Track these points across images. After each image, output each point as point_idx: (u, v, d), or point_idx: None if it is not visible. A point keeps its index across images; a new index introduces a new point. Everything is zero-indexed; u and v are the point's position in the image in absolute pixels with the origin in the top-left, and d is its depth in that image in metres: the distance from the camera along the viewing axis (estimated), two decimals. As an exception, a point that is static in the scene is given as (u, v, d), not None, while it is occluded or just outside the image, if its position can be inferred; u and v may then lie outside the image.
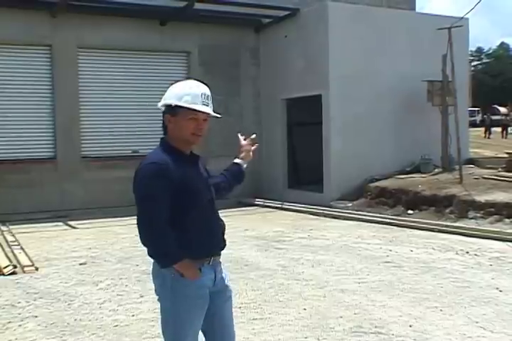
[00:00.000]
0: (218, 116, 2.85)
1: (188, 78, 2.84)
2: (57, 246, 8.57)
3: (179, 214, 2.70)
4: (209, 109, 2.78)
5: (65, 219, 11.16)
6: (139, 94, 13.31)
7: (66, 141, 12.49)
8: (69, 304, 5.53)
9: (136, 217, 2.69)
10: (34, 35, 12.13)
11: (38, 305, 5.50)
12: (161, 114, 2.88)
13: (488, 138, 32.93)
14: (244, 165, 3.25)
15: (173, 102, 2.75)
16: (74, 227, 10.51)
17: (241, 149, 3.27)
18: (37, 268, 6.99)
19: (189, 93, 2.75)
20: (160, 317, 2.86)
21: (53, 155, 12.54)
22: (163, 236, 2.64)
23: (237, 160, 3.26)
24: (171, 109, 2.77)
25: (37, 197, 11.98)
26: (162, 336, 2.87)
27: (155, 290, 2.84)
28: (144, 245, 2.71)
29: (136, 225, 2.71)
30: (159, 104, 2.86)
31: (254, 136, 3.34)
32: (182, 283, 2.70)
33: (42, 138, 12.50)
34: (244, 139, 3.30)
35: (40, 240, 9.14)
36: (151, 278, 2.86)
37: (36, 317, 5.15)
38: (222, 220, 2.95)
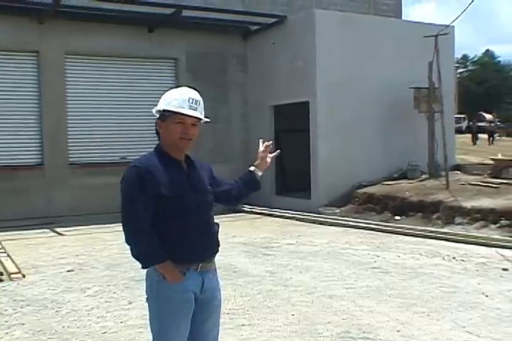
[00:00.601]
0: (207, 120, 2.89)
1: (178, 85, 2.85)
2: (44, 253, 8.52)
3: (163, 217, 2.74)
4: (196, 113, 2.80)
5: (52, 226, 11.09)
6: (126, 100, 13.32)
7: (53, 148, 12.44)
8: (56, 311, 5.50)
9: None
10: (21, 42, 12.10)
11: (25, 313, 5.47)
12: (152, 121, 2.92)
13: (475, 144, 33.02)
14: (260, 173, 3.21)
15: (162, 107, 2.82)
16: (61, 234, 10.45)
17: (257, 156, 3.26)
18: (24, 276, 6.94)
19: (177, 98, 2.80)
20: (149, 318, 2.89)
21: (40, 162, 12.48)
22: (143, 236, 2.71)
23: (251, 168, 3.23)
24: (161, 114, 2.84)
25: (24, 203, 11.90)
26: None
27: (145, 291, 2.88)
28: (128, 244, 2.78)
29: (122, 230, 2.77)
30: (153, 111, 2.91)
31: (270, 142, 3.32)
32: (165, 286, 2.73)
33: (29, 145, 12.44)
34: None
35: (27, 247, 9.08)
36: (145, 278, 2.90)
37: (23, 324, 5.11)
38: (215, 228, 2.95)
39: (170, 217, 2.75)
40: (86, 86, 12.93)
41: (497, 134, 37.23)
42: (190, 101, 2.80)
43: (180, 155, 2.88)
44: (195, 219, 2.81)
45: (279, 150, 3.44)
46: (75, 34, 12.51)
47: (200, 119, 2.85)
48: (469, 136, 35.68)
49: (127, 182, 2.79)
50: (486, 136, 35.40)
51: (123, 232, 2.76)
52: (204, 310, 2.85)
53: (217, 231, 2.97)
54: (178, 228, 2.76)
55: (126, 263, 7.52)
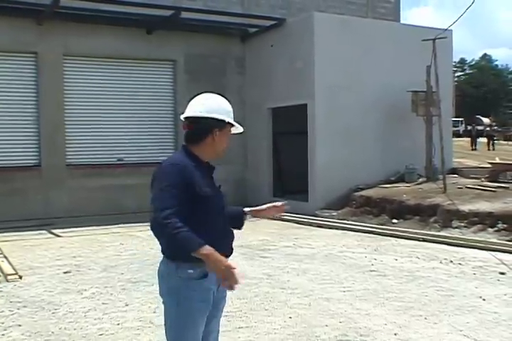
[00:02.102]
0: (242, 130, 3.14)
1: (209, 91, 2.89)
2: (41, 255, 8.50)
3: (193, 216, 2.73)
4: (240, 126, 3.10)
5: (49, 227, 11.06)
6: (124, 102, 13.32)
7: (51, 149, 12.42)
8: (53, 313, 5.49)
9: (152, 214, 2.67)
10: (19, 43, 12.10)
11: (21, 314, 5.45)
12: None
13: (475, 149, 31.51)
14: (247, 217, 3.26)
15: (226, 118, 2.93)
16: (58, 235, 10.42)
17: (265, 208, 3.27)
18: (20, 277, 6.92)
19: (230, 110, 2.99)
20: (164, 318, 2.88)
21: (38, 163, 12.47)
22: (179, 224, 2.59)
23: (246, 209, 3.28)
24: (221, 124, 2.93)
25: (21, 204, 11.88)
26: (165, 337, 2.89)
27: (160, 292, 2.88)
28: (163, 236, 2.67)
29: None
30: (202, 114, 2.89)
31: (283, 203, 3.32)
32: (188, 286, 2.74)
33: (26, 146, 12.43)
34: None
35: (23, 248, 9.05)
36: (157, 279, 2.89)
37: (20, 326, 5.10)
38: (232, 230, 3.03)
39: (199, 216, 2.77)
40: (84, 87, 12.93)
41: (496, 138, 36.04)
42: (232, 113, 3.02)
43: (209, 160, 2.98)
44: (220, 219, 2.89)
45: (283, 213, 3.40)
46: (74, 35, 12.51)
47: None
48: (467, 139, 34.83)
49: (165, 175, 2.70)
50: (485, 140, 34.19)
51: (157, 225, 2.63)
52: (214, 308, 2.89)
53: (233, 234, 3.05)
54: (205, 227, 2.75)
55: (123, 265, 7.52)
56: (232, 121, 2.96)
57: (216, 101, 2.96)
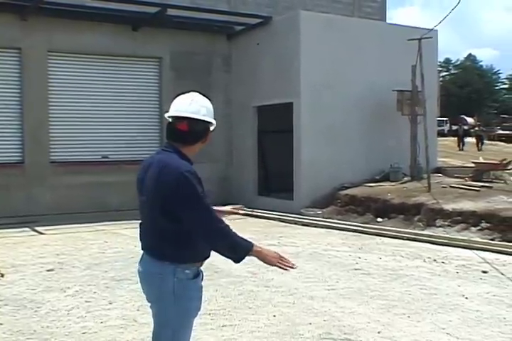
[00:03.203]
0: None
1: (195, 89, 2.87)
2: (23, 252, 8.42)
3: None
4: None
5: (32, 225, 10.97)
6: (109, 99, 13.24)
7: (34, 146, 12.31)
8: (36, 311, 5.44)
9: (193, 218, 2.70)
10: (3, 38, 11.96)
11: (3, 313, 5.40)
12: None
13: (462, 149, 31.04)
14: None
15: (214, 122, 2.96)
16: (41, 233, 10.34)
17: (228, 210, 3.34)
18: (2, 275, 6.85)
19: (212, 110, 2.98)
20: (156, 320, 2.87)
21: (21, 160, 12.36)
22: (228, 225, 2.73)
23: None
24: (210, 126, 2.97)
25: (3, 202, 11.75)
26: (156, 340, 2.88)
27: (148, 294, 2.88)
28: (218, 238, 2.73)
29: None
30: (205, 118, 2.90)
31: (240, 207, 3.41)
32: (185, 286, 2.78)
33: (9, 143, 12.31)
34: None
35: (5, 246, 8.97)
36: (144, 281, 2.88)
37: (1, 324, 5.04)
38: None
39: None
40: (69, 84, 12.82)
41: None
42: None
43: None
44: None
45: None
46: (59, 31, 12.40)
47: None
48: (452, 139, 34.75)
49: (191, 183, 2.69)
50: (473, 140, 33.94)
51: (206, 231, 2.71)
52: None
53: None
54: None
55: (107, 263, 7.48)
56: (214, 122, 2.98)
57: (210, 104, 2.99)
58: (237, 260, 2.75)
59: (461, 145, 32.12)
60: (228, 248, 2.73)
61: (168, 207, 2.70)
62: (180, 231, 2.73)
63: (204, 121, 2.89)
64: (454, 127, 43.37)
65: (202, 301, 2.89)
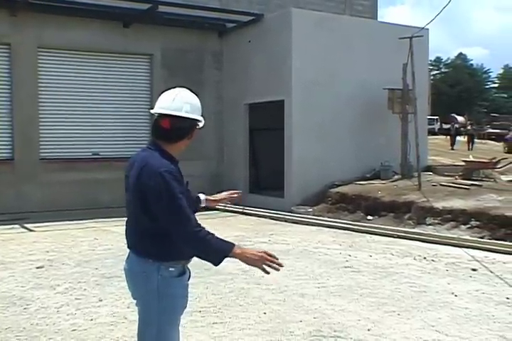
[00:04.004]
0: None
1: (186, 86, 2.82)
2: (13, 249, 8.38)
3: None
4: None
5: (22, 222, 10.91)
6: (100, 96, 13.18)
7: (24, 142, 12.24)
8: (25, 308, 5.42)
9: (167, 219, 2.65)
10: (-7, 34, 11.89)
11: (-8, 310, 5.38)
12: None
13: (452, 149, 30.02)
14: (203, 205, 3.26)
15: (201, 119, 2.89)
16: (31, 230, 10.29)
17: (223, 197, 3.32)
18: (-8, 272, 6.83)
19: (200, 107, 2.91)
20: (140, 318, 2.85)
21: (10, 157, 12.28)
22: (203, 229, 2.67)
23: (201, 196, 3.27)
24: (197, 124, 2.89)
25: (-8, 198, 11.70)
26: (141, 337, 2.87)
27: (133, 292, 2.87)
28: (190, 242, 2.66)
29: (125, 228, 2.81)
30: (188, 115, 2.83)
31: (240, 192, 3.41)
32: (170, 284, 2.75)
33: (-1, 139, 12.23)
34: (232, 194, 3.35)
35: (-5, 243, 8.94)
36: (129, 278, 2.87)
37: (-10, 321, 5.03)
38: None
39: None
40: (59, 80, 12.76)
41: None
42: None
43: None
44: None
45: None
46: (49, 27, 12.33)
47: None
48: (443, 137, 34.64)
49: (167, 184, 2.63)
50: (464, 139, 33.36)
51: (180, 232, 2.65)
52: None
53: None
54: None
55: (97, 260, 7.46)
56: (201, 119, 2.91)
57: (197, 100, 2.90)
58: (215, 263, 2.69)
59: (452, 145, 31.45)
60: (203, 251, 2.67)
61: (148, 206, 2.68)
62: (163, 229, 2.68)
63: (191, 119, 2.84)
64: (445, 126, 43.45)
65: (188, 299, 2.88)
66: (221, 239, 2.67)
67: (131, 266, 2.85)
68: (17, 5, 11.78)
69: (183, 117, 2.80)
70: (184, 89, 2.92)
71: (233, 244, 2.68)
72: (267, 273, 2.71)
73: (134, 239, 2.84)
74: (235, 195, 3.36)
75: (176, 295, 2.78)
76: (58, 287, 6.21)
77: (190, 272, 2.92)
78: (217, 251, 2.65)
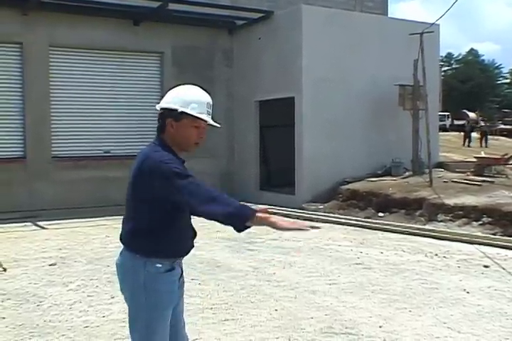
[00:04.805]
0: (218, 126, 2.86)
1: (196, 84, 2.82)
2: (26, 247, 8.44)
3: (170, 214, 2.72)
4: (211, 120, 2.83)
5: (34, 220, 10.99)
6: (111, 94, 13.23)
7: (36, 141, 12.31)
8: (38, 305, 5.46)
9: (183, 193, 2.56)
10: (4, 33, 11.93)
11: (5, 307, 5.42)
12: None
13: (468, 146, 29.21)
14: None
15: (180, 108, 2.75)
16: (43, 228, 10.36)
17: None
18: (5, 269, 6.88)
19: (196, 101, 2.77)
20: (128, 314, 2.85)
21: (22, 155, 12.36)
22: (221, 193, 2.57)
23: None
24: (176, 114, 2.76)
25: (5, 196, 11.76)
26: (129, 334, 2.87)
27: (121, 286, 2.87)
28: (210, 208, 2.52)
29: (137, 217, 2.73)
30: (158, 106, 2.84)
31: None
32: (156, 280, 2.74)
33: (11, 137, 12.30)
34: None
35: (8, 241, 8.99)
36: (119, 273, 2.87)
37: (4, 318, 5.07)
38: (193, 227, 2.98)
39: (177, 217, 2.76)
40: (70, 79, 12.81)
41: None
42: (208, 106, 2.81)
43: (180, 154, 2.86)
44: (187, 217, 2.86)
45: None
46: (60, 26, 12.38)
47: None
48: (454, 134, 34.00)
49: (167, 168, 2.58)
50: (477, 135, 32.35)
51: (201, 202, 2.52)
52: (179, 299, 2.95)
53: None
54: (180, 227, 2.81)
55: (109, 258, 7.49)
56: (189, 111, 2.75)
57: (177, 92, 2.84)
58: (239, 228, 2.56)
59: (466, 142, 30.41)
60: (225, 215, 2.52)
61: (145, 196, 2.68)
62: (154, 224, 2.70)
63: (162, 108, 2.81)
64: (456, 122, 43.13)
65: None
66: (244, 205, 2.56)
67: (122, 260, 2.85)
68: (28, 4, 11.83)
69: (162, 108, 2.81)
70: (189, 85, 2.90)
71: (254, 210, 2.52)
72: (303, 229, 2.52)
73: (126, 234, 2.83)
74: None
75: (162, 290, 2.75)
76: (71, 284, 6.25)
77: (181, 269, 2.91)
78: (242, 214, 2.51)
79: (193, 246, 2.95)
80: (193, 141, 2.80)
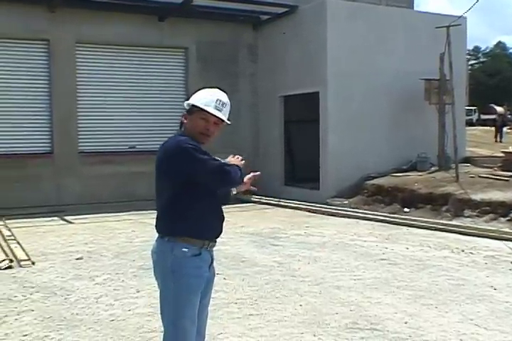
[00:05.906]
0: (228, 122, 3.08)
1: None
2: (53, 241, 8.57)
3: (194, 196, 2.93)
4: (219, 113, 3.02)
5: (62, 214, 11.15)
6: (136, 89, 13.33)
7: (63, 136, 12.47)
8: (65, 298, 5.54)
9: (202, 170, 2.86)
10: (32, 30, 12.10)
11: (34, 299, 5.51)
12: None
13: (500, 141, 27.28)
14: (234, 191, 3.33)
15: (191, 102, 3.05)
16: (70, 222, 10.50)
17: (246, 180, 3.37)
18: (33, 263, 6.99)
19: (206, 97, 3.05)
20: (159, 298, 2.98)
21: (50, 150, 12.53)
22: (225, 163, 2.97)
23: None
24: (189, 108, 3.07)
25: (33, 191, 11.96)
26: (160, 317, 2.99)
27: (154, 271, 3.01)
28: (226, 180, 2.92)
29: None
30: (185, 104, 3.12)
31: (258, 173, 3.47)
32: (182, 264, 2.89)
33: (39, 133, 12.49)
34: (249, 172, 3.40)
35: (36, 235, 9.14)
36: (152, 258, 3.02)
37: (33, 310, 5.15)
38: (223, 213, 3.14)
39: (199, 197, 2.95)
40: (96, 75, 12.95)
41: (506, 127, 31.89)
42: (218, 102, 3.04)
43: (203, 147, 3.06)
44: (215, 201, 3.06)
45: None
46: (86, 23, 12.49)
47: (222, 120, 3.06)
48: (481, 128, 33.04)
49: (185, 148, 2.88)
50: (509, 130, 31.22)
51: (215, 176, 2.88)
52: (207, 286, 3.05)
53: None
54: (203, 208, 2.98)
55: (135, 252, 7.57)
56: (197, 104, 3.00)
57: (197, 93, 3.10)
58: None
59: (499, 137, 28.66)
60: (237, 180, 3.01)
61: (167, 175, 2.94)
62: (176, 204, 2.92)
63: (188, 104, 3.08)
64: (483, 116, 42.47)
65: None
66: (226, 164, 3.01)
67: (155, 246, 3.03)
68: (55, 1, 11.97)
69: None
70: (212, 88, 3.18)
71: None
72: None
73: (156, 221, 3.06)
74: (257, 174, 3.43)
75: (188, 274, 2.88)
76: (97, 278, 6.33)
77: (212, 258, 3.05)
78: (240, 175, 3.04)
79: (222, 232, 3.10)
80: (198, 130, 3.01)
